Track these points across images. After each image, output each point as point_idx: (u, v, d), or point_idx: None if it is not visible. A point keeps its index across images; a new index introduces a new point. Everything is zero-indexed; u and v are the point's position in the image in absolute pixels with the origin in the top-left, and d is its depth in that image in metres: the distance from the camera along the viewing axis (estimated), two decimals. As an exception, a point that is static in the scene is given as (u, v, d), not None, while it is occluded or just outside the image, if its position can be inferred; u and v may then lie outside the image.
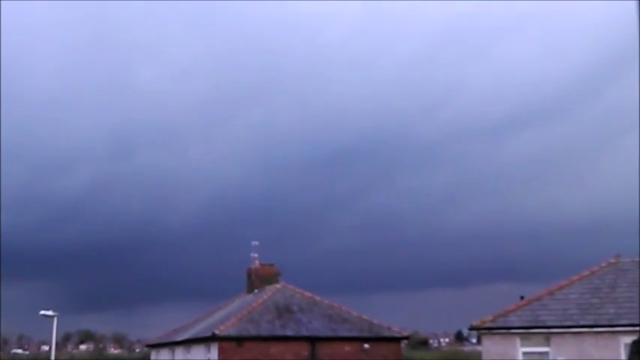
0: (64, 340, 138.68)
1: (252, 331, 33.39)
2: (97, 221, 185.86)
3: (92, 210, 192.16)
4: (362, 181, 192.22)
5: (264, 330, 33.81)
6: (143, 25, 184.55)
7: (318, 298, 38.00)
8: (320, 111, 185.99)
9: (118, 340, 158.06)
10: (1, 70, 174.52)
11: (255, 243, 41.60)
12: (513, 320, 25.06)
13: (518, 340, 24.68)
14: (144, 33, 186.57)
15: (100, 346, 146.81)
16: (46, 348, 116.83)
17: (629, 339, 22.79)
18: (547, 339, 24.36)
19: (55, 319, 34.62)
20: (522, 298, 26.45)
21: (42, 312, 34.62)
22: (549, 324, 24.44)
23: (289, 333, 34.03)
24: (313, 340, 34.05)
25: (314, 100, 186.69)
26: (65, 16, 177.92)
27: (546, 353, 24.30)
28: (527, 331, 24.61)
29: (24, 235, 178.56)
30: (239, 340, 32.84)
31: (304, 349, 33.84)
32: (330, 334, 34.74)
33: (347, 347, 34.68)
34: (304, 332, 34.34)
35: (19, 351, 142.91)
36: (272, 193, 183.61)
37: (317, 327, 35.00)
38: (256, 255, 41.77)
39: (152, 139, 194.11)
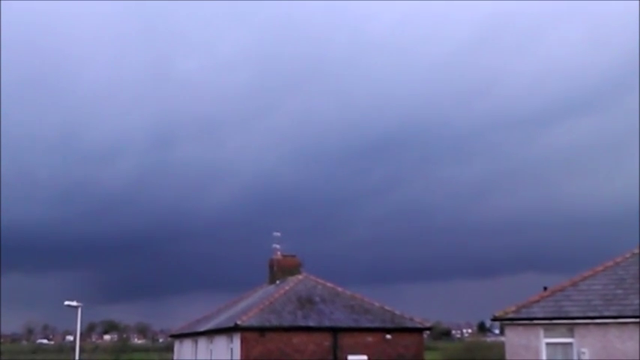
0: (88, 330, 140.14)
1: (275, 322, 33.49)
2: (134, 213, 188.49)
3: (130, 202, 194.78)
4: (397, 170, 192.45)
5: (286, 320, 33.90)
6: (185, 17, 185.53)
7: (340, 289, 38.04)
8: (359, 100, 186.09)
9: (142, 331, 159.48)
10: (55, 66, 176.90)
11: (277, 234, 41.76)
12: (536, 311, 24.91)
13: (541, 331, 24.54)
14: (186, 25, 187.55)
15: (124, 336, 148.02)
16: (70, 338, 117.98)
17: (654, 330, 22.66)
18: (570, 330, 24.20)
19: (80, 310, 34.91)
20: (545, 288, 26.28)
21: (66, 302, 34.91)
22: (573, 315, 24.26)
23: (311, 324, 34.10)
24: (335, 331, 34.10)
25: (354, 88, 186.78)
26: (110, 10, 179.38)
27: (570, 344, 24.15)
28: (551, 322, 24.45)
29: (63, 227, 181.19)
30: (261, 330, 32.97)
31: (326, 340, 33.91)
32: (352, 324, 34.77)
33: (369, 338, 34.71)
34: (326, 323, 34.39)
35: (44, 341, 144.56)
36: (306, 183, 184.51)
37: (339, 318, 35.04)
38: (278, 246, 41.93)
39: (192, 131, 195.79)
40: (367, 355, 34.38)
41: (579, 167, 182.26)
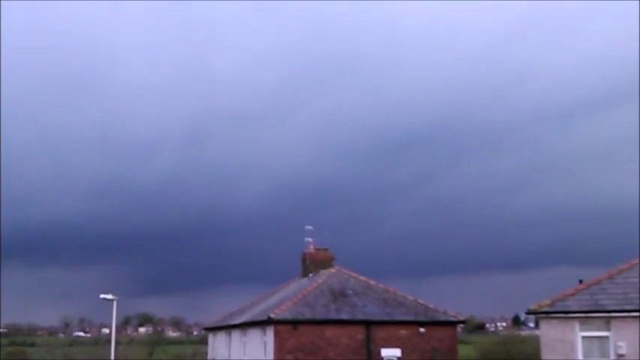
0: (124, 323, 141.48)
1: (308, 315, 33.55)
2: (169, 208, 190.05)
3: (165, 197, 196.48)
4: (430, 165, 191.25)
5: (320, 314, 33.93)
6: (218, 14, 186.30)
7: (372, 282, 37.97)
8: (393, 96, 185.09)
9: (176, 324, 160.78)
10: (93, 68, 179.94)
11: (309, 227, 41.75)
12: (572, 304, 24.64)
13: (577, 325, 24.27)
14: (219, 23, 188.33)
15: (159, 329, 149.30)
16: (106, 331, 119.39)
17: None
18: (607, 323, 23.91)
19: (115, 303, 35.26)
20: (581, 281, 25.98)
21: (102, 295, 35.28)
22: (609, 308, 23.96)
23: (344, 317, 34.11)
24: (368, 324, 34.07)
25: (388, 84, 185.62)
26: (145, 9, 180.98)
27: (606, 338, 23.86)
28: (587, 315, 24.18)
29: (99, 222, 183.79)
30: (294, 323, 33.05)
31: (359, 333, 33.89)
32: (385, 317, 34.72)
33: (402, 331, 34.63)
34: (359, 316, 34.38)
35: (81, 334, 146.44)
36: (339, 179, 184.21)
37: (372, 311, 35.00)
38: (310, 239, 41.94)
39: (226, 127, 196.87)
40: (401, 348, 34.32)
41: (614, 160, 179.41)
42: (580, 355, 24.05)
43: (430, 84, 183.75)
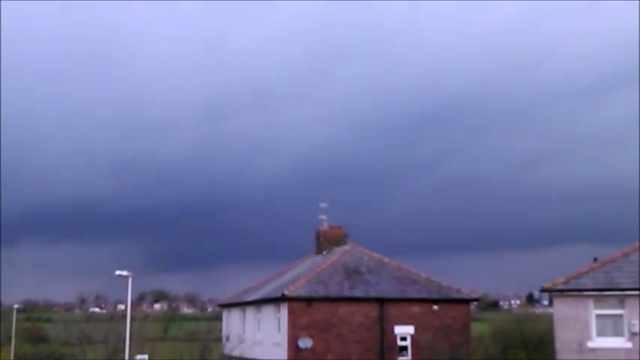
0: (139, 299, 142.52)
1: (321, 292, 33.65)
2: (186, 185, 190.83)
3: (183, 174, 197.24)
4: (449, 140, 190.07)
5: (333, 291, 34.03)
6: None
7: (386, 259, 37.98)
8: (415, 71, 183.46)
9: (191, 300, 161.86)
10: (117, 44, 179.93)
11: (323, 205, 41.73)
12: (586, 282, 24.57)
13: (591, 303, 24.21)
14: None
15: (174, 305, 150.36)
16: (122, 307, 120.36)
17: None
18: (621, 301, 23.84)
19: (130, 279, 35.47)
20: (596, 259, 25.89)
21: (117, 272, 35.50)
22: (623, 286, 23.88)
23: (358, 294, 34.19)
24: (382, 302, 34.14)
25: (410, 59, 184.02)
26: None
27: (620, 316, 23.81)
28: (601, 293, 24.11)
29: (118, 199, 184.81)
30: (308, 300, 33.17)
31: (373, 310, 33.98)
32: (398, 295, 34.77)
33: (416, 308, 34.69)
34: (373, 293, 34.45)
35: (97, 310, 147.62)
36: (358, 155, 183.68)
37: (386, 288, 35.07)
38: (324, 217, 41.91)
39: (246, 102, 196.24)
40: (414, 325, 34.41)
41: (635, 137, 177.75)
42: (594, 333, 24.03)
43: (453, 57, 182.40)
